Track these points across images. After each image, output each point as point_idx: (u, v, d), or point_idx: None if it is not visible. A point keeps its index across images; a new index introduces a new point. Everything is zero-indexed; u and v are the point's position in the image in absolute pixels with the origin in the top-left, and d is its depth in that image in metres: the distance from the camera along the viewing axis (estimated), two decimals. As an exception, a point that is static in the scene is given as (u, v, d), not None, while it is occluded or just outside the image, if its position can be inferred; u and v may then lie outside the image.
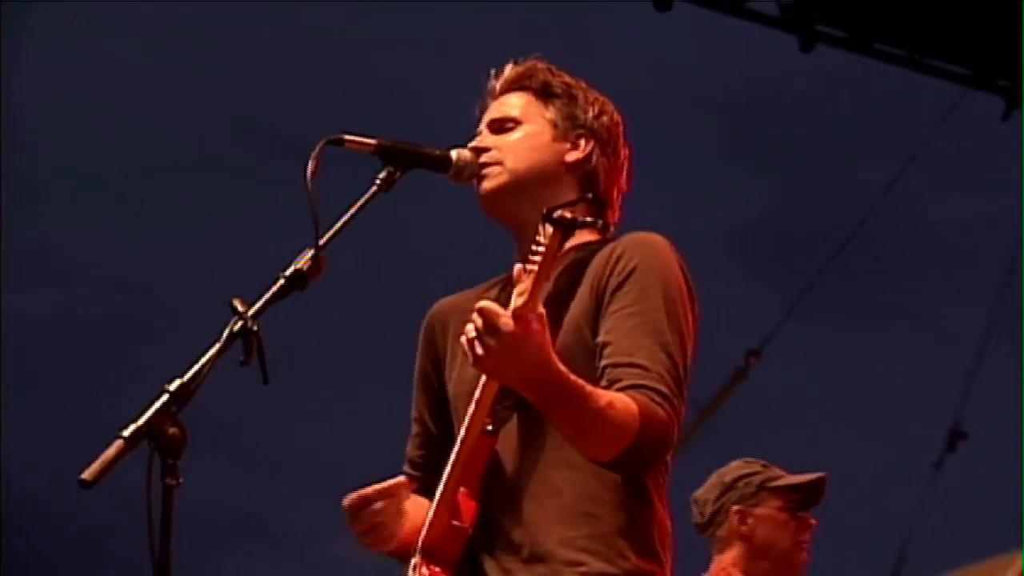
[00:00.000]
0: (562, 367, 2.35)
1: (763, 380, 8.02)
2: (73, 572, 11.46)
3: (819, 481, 3.81)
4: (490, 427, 2.50)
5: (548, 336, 2.34)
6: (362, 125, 2.57)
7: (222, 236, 12.21)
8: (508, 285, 2.48)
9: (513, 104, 2.69)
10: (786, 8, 6.99)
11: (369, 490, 2.54)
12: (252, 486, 12.15)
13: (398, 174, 2.54)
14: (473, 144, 2.67)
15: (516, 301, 2.30)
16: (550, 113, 2.68)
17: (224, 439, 10.42)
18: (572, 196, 2.58)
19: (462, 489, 2.50)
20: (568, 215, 2.26)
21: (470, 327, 2.33)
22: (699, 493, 3.87)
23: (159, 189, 12.71)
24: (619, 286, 2.51)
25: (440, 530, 2.50)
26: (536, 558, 2.49)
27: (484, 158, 2.65)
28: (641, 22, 7.26)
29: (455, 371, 2.65)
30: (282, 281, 2.38)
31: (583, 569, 2.46)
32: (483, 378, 2.46)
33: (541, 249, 2.27)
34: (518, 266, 2.34)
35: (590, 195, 2.60)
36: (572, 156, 2.66)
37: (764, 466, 3.84)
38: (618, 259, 2.53)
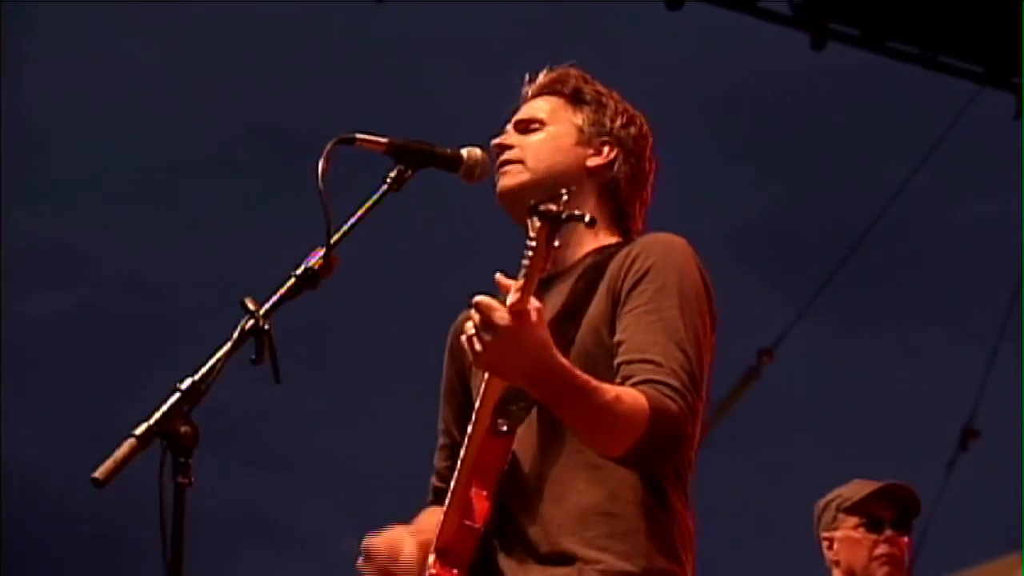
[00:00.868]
0: (565, 362, 2.35)
1: (776, 380, 8.01)
2: (86, 571, 11.48)
3: (876, 493, 3.75)
4: (505, 427, 2.50)
5: (547, 331, 2.33)
6: (378, 128, 2.58)
7: (237, 237, 12.23)
8: None
9: (541, 107, 2.71)
10: (798, 6, 6.98)
11: (379, 543, 2.56)
12: (263, 486, 12.17)
13: (409, 173, 2.55)
14: (496, 141, 2.68)
15: (512, 297, 2.30)
16: (578, 118, 2.69)
17: (236, 439, 10.43)
18: (591, 201, 2.59)
19: (477, 490, 2.50)
20: (554, 207, 2.23)
21: (469, 324, 2.34)
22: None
23: (175, 190, 12.74)
24: (635, 285, 2.51)
25: (453, 531, 2.50)
26: (554, 557, 2.49)
27: (506, 155, 2.66)
28: (654, 21, 7.25)
29: (475, 377, 2.66)
30: (293, 280, 2.38)
31: (602, 567, 2.46)
32: (486, 376, 2.47)
33: (534, 244, 2.26)
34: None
35: (613, 204, 2.61)
36: (594, 161, 2.66)
37: (861, 485, 3.78)
38: (634, 259, 2.53)
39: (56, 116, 12.36)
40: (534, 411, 2.51)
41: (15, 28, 11.20)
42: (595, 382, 2.37)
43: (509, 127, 2.72)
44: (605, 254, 2.59)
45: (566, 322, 2.49)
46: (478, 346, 2.31)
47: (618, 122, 2.69)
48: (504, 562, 2.52)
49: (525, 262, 2.27)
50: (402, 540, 2.58)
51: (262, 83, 12.44)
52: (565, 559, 2.48)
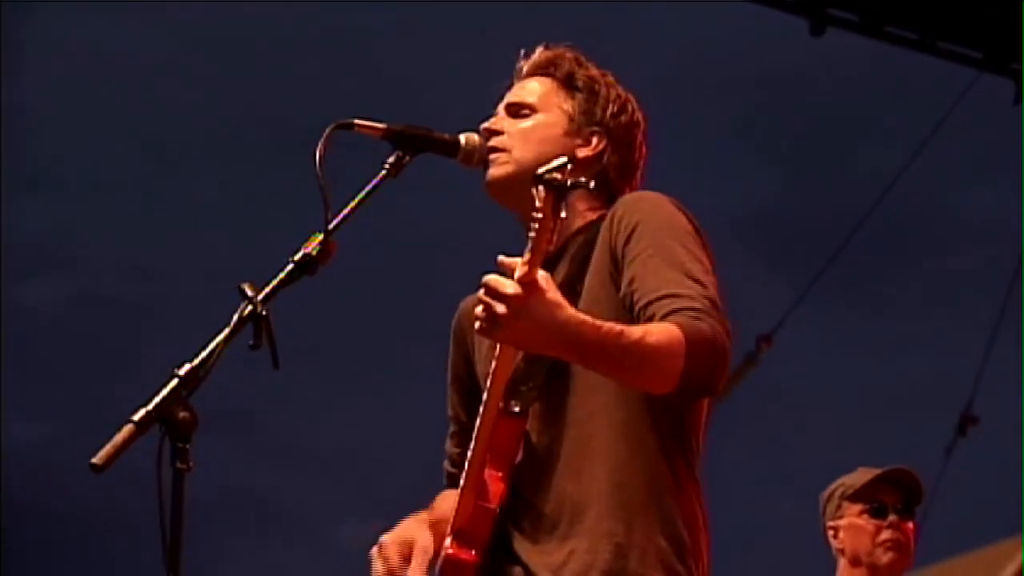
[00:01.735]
0: (584, 316, 2.34)
1: (774, 366, 8.01)
2: (85, 556, 11.50)
3: (879, 478, 3.74)
4: (517, 408, 2.51)
5: (559, 294, 2.32)
6: (377, 116, 2.57)
7: (235, 225, 12.22)
8: None
9: (533, 90, 2.70)
10: (797, -9, 6.96)
11: (392, 546, 2.57)
12: (263, 473, 12.18)
13: (407, 158, 2.55)
14: (486, 125, 2.67)
15: (520, 271, 2.29)
16: (568, 105, 2.67)
17: (236, 426, 10.44)
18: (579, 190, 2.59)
19: (492, 471, 2.50)
20: (559, 176, 2.23)
21: (479, 308, 2.32)
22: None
23: (172, 178, 12.73)
24: (628, 239, 2.52)
25: (468, 512, 2.51)
26: (569, 534, 2.50)
27: (493, 142, 2.65)
28: (653, 7, 7.24)
29: (481, 363, 2.66)
30: (291, 266, 2.38)
31: (617, 540, 2.47)
32: (496, 353, 2.46)
33: (540, 216, 2.25)
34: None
35: (601, 192, 2.60)
36: (582, 152, 2.65)
37: (864, 472, 3.77)
38: (620, 219, 2.54)
39: (53, 105, 12.35)
40: (546, 391, 2.52)
41: (14, 18, 11.19)
42: (619, 327, 2.36)
43: (500, 109, 2.70)
44: (592, 229, 2.60)
45: (569, 297, 2.49)
46: (495, 321, 2.30)
47: (609, 111, 2.67)
48: (520, 541, 2.53)
49: (531, 234, 2.26)
50: (415, 538, 2.58)
51: (262, 73, 12.44)
52: (580, 536, 2.49)
